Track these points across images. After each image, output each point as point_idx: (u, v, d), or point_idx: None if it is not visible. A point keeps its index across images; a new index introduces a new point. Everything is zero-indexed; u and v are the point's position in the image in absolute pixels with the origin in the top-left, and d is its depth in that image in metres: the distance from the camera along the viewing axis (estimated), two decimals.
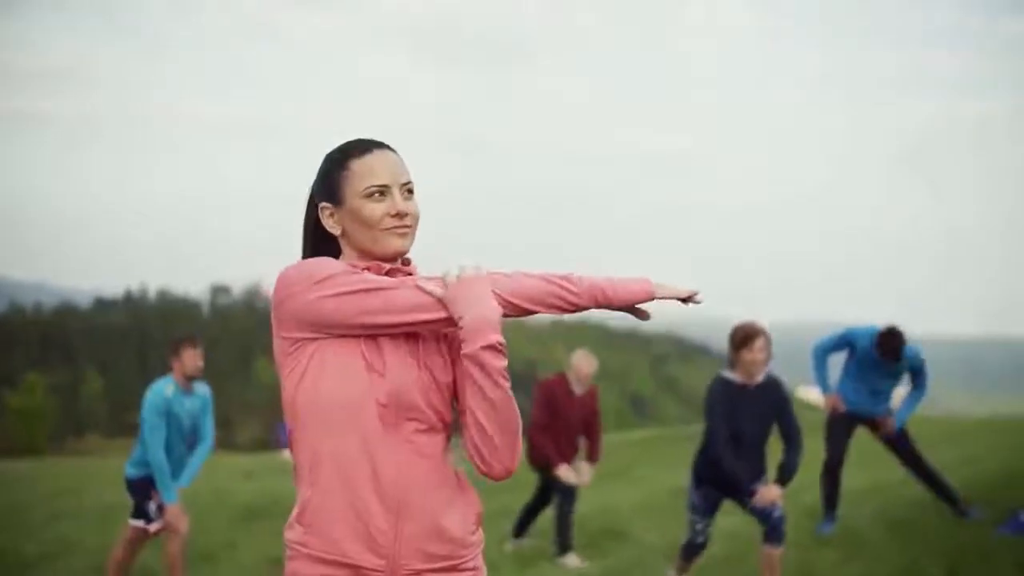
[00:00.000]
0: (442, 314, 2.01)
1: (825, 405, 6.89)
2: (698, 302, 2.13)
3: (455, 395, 2.12)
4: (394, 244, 2.09)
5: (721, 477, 5.19)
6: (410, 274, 2.13)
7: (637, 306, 2.11)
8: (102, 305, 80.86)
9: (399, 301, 2.00)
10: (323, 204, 2.14)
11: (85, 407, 62.67)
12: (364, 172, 2.09)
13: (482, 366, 1.97)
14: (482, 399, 1.99)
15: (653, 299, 2.11)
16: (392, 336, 2.04)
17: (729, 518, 6.34)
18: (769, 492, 5.09)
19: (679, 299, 2.11)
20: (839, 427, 6.85)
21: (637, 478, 11.46)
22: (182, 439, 5.95)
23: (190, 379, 5.93)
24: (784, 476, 5.14)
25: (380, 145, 2.14)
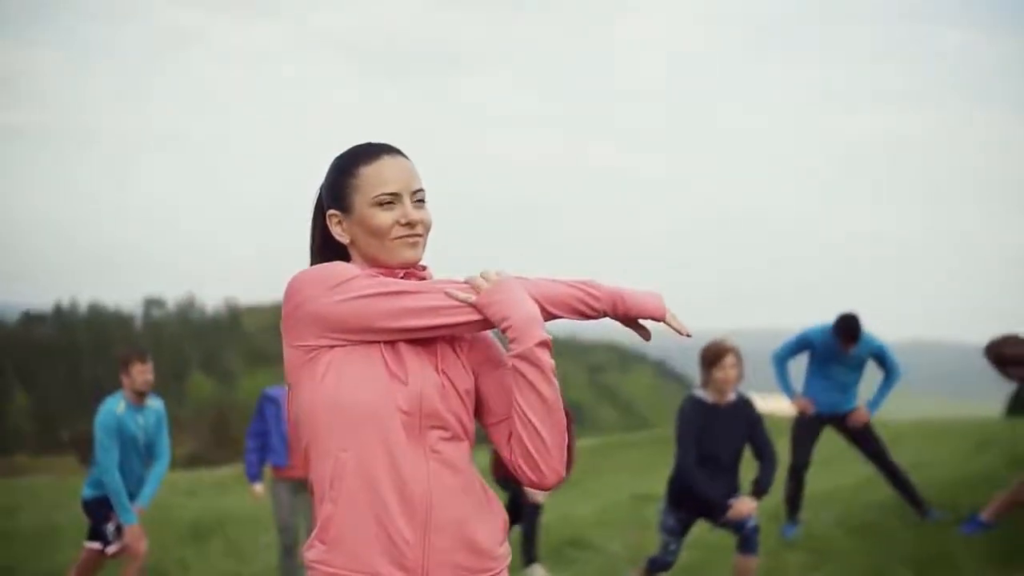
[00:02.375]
0: (469, 317, 1.94)
1: (796, 408, 6.90)
2: (688, 336, 2.13)
3: (477, 406, 2.05)
4: (404, 254, 2.01)
5: (695, 499, 5.14)
6: (424, 279, 2.04)
7: (641, 323, 2.08)
8: (30, 319, 78.85)
9: (423, 304, 1.93)
10: (331, 211, 2.06)
11: (12, 424, 60.99)
12: (374, 179, 2.00)
13: (537, 364, 1.90)
14: (536, 398, 1.92)
15: (663, 319, 2.07)
16: (410, 342, 1.96)
17: (699, 526, 6.30)
18: (744, 505, 5.08)
19: (677, 331, 2.09)
20: (806, 430, 6.89)
21: (592, 487, 11.42)
22: (138, 456, 5.77)
23: (141, 395, 5.76)
24: (759, 490, 5.14)
25: (391, 150, 2.05)
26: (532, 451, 1.94)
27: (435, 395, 1.94)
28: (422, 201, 2.04)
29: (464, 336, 2.04)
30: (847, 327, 6.61)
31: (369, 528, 1.90)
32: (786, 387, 6.90)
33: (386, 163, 2.02)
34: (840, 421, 6.90)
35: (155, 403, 5.90)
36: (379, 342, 1.93)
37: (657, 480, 10.47)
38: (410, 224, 2.00)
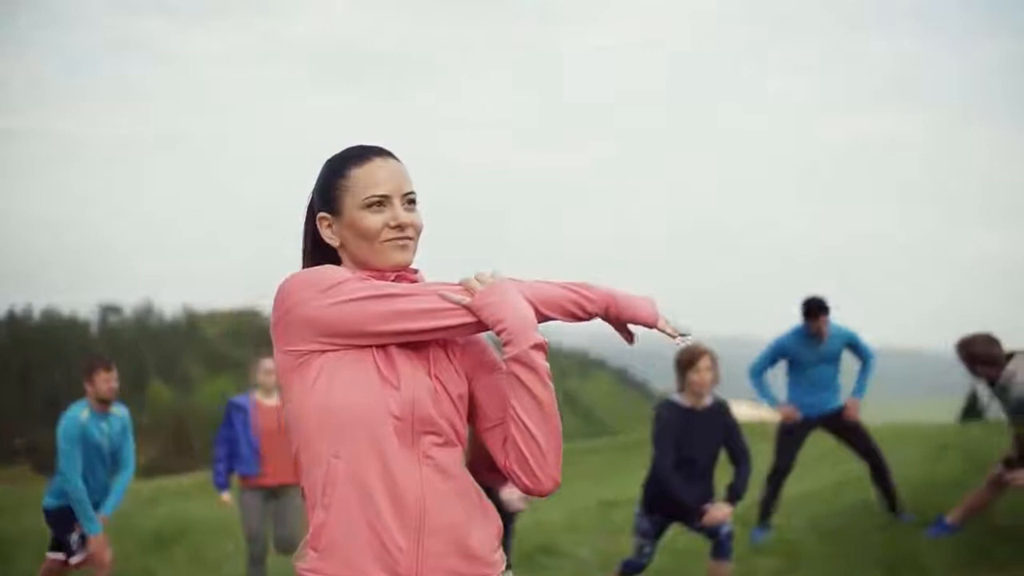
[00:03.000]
0: (463, 319, 1.91)
1: (781, 416, 6.90)
2: (686, 335, 2.06)
3: (471, 410, 2.02)
4: (394, 257, 1.98)
5: (672, 503, 5.14)
6: (415, 283, 2.01)
7: (628, 326, 2.06)
8: None
9: (416, 307, 1.90)
10: (321, 214, 2.03)
11: None
12: (364, 181, 1.98)
13: (532, 367, 1.88)
14: (531, 401, 1.89)
15: (655, 326, 2.04)
16: (402, 346, 1.93)
17: (672, 530, 6.32)
18: (719, 510, 5.09)
19: (669, 335, 2.05)
20: (792, 435, 6.90)
21: (560, 494, 11.41)
22: (103, 465, 5.67)
23: (105, 402, 5.67)
24: (734, 495, 5.16)
25: (381, 152, 2.03)
26: (527, 456, 1.92)
27: (428, 400, 1.91)
28: (413, 203, 2.01)
29: (457, 340, 2.01)
30: (815, 306, 6.68)
31: (362, 535, 1.86)
32: (768, 398, 6.92)
33: (377, 165, 1.99)
34: (829, 420, 6.91)
35: (120, 411, 5.82)
36: (371, 346, 1.90)
37: (621, 486, 10.50)
38: (400, 227, 1.97)
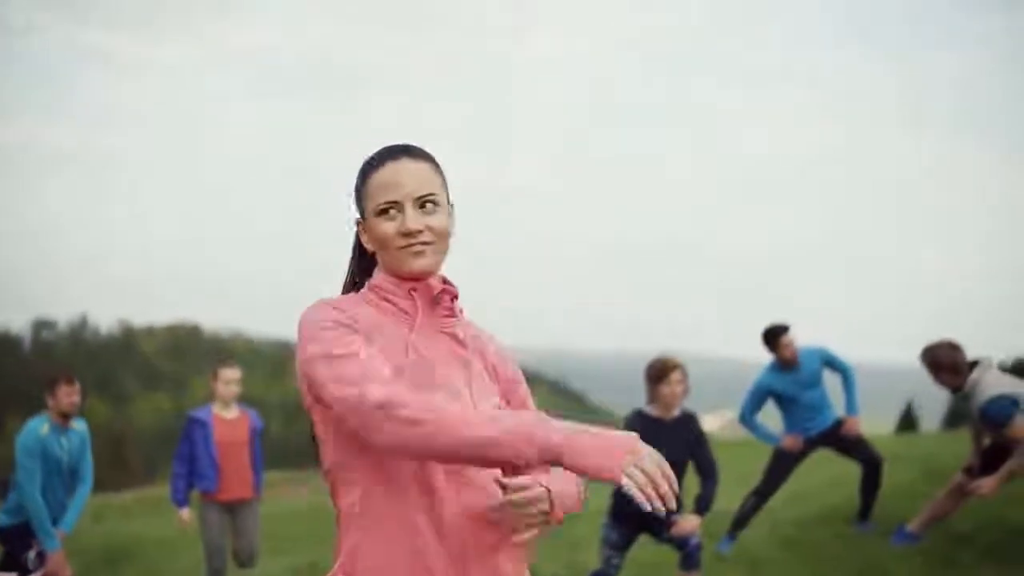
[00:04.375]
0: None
1: (786, 446, 6.89)
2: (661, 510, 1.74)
3: None
4: (410, 264, 1.90)
5: (640, 514, 5.16)
6: (455, 297, 1.97)
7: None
8: None
9: (353, 371, 1.78)
10: (357, 219, 1.99)
11: None
12: (375, 187, 1.92)
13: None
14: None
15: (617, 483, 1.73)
16: (443, 367, 1.89)
17: (639, 541, 6.34)
18: (688, 522, 5.12)
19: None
20: (788, 458, 6.93)
21: None
22: (61, 480, 5.57)
23: (66, 417, 5.56)
24: (702, 507, 5.19)
25: (398, 155, 1.94)
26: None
27: None
28: (432, 204, 1.91)
29: (491, 357, 2.02)
30: (772, 333, 6.74)
31: (401, 557, 1.81)
32: (768, 437, 6.97)
33: (388, 169, 1.91)
34: (828, 437, 6.92)
35: (79, 425, 5.72)
36: (404, 367, 1.84)
37: None
38: (409, 233, 1.90)
